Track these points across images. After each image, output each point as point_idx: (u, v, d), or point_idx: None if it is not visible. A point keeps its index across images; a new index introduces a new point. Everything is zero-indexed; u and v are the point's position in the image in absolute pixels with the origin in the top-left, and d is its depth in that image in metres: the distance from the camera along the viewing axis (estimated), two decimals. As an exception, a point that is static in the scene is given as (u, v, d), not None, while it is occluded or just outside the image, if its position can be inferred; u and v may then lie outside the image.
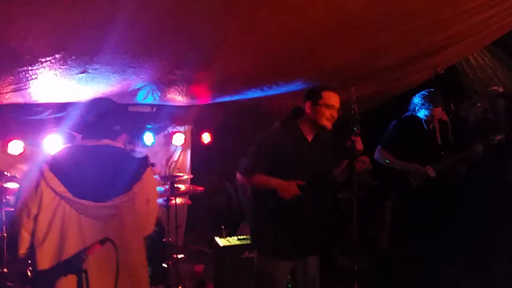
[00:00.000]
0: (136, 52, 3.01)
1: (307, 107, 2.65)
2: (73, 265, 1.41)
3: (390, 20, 3.02)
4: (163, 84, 3.95)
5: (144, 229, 2.12)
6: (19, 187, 1.97)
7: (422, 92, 3.97)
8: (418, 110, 3.94)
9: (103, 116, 2.01)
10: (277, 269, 2.56)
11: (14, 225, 1.85)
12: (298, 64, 3.75)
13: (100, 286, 1.69)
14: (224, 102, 5.16)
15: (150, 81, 3.74)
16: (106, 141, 2.01)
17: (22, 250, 1.80)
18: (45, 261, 1.74)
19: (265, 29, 2.84)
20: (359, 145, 2.69)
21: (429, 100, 3.86)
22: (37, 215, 1.82)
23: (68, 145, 2.01)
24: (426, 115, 3.88)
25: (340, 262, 4.65)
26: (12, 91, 3.49)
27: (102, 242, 1.52)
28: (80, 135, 2.04)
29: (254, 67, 3.73)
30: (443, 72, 4.71)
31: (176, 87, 4.08)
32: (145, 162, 2.08)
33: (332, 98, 2.61)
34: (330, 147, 2.76)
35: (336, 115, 2.61)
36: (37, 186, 1.84)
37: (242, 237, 4.19)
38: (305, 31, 2.94)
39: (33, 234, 1.83)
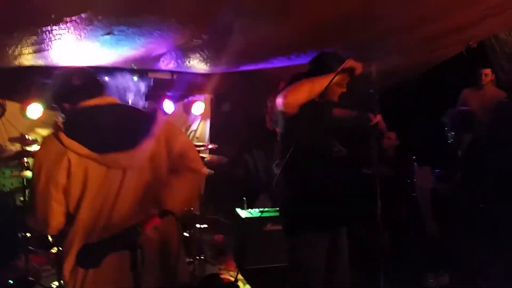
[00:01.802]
0: (166, 14, 2.86)
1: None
2: (127, 239, 1.30)
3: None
4: (187, 49, 3.81)
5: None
6: (38, 160, 1.77)
7: None
8: None
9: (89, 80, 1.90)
10: (315, 241, 2.47)
11: (40, 200, 1.73)
12: (333, 32, 3.57)
13: (152, 262, 1.61)
14: (245, 71, 5.02)
15: (175, 45, 3.60)
16: (108, 99, 1.89)
17: (54, 223, 1.71)
18: (87, 232, 1.66)
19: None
20: (381, 125, 2.54)
21: None
22: (67, 186, 1.71)
23: (78, 108, 1.84)
24: None
25: (363, 237, 4.59)
26: (34, 52, 3.37)
27: (161, 214, 1.41)
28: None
29: (286, 34, 3.56)
30: (475, 46, 4.51)
31: (201, 53, 3.93)
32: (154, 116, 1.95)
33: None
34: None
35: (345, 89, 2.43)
36: (61, 156, 1.73)
37: (264, 209, 4.12)
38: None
39: (67, 206, 1.73)
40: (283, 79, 4.79)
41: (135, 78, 4.67)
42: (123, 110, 1.94)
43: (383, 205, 4.54)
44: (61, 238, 1.90)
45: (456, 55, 4.58)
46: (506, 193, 3.80)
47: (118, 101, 1.95)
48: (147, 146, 1.82)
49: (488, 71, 4.53)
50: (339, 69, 2.25)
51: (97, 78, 1.96)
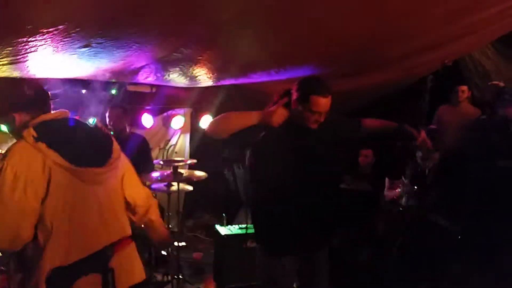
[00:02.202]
0: (144, 27, 2.82)
1: (293, 101, 2.35)
2: (97, 262, 1.24)
3: (409, 7, 2.91)
4: (166, 63, 3.77)
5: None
6: (12, 167, 1.66)
7: None
8: None
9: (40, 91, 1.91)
10: (280, 265, 2.42)
11: (13, 210, 1.62)
12: (311, 49, 3.60)
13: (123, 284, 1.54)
14: (225, 85, 5.01)
15: (154, 58, 3.56)
16: (65, 113, 1.89)
17: (26, 235, 1.62)
18: (60, 254, 1.58)
19: (280, 10, 2.69)
20: (427, 141, 2.52)
21: None
22: (44, 196, 1.64)
23: (40, 120, 1.80)
24: None
25: (342, 255, 4.57)
26: (9, 64, 3.28)
27: (133, 237, 1.37)
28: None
29: (264, 50, 3.57)
30: (450, 64, 4.61)
31: (180, 66, 3.90)
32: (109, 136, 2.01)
33: (320, 105, 2.27)
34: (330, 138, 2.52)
35: (322, 119, 2.32)
36: (42, 165, 1.67)
37: (243, 225, 4.06)
38: (323, 14, 2.80)
39: (39, 222, 1.65)
40: (265, 93, 4.83)
41: (114, 92, 4.60)
42: (85, 125, 1.98)
43: (363, 221, 4.57)
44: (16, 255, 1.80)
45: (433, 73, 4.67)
46: (475, 208, 3.87)
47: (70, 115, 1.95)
48: (116, 164, 1.89)
49: (464, 88, 4.63)
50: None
51: (47, 91, 1.96)
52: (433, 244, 3.88)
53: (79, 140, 1.77)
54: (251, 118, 2.21)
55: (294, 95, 2.33)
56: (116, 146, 1.98)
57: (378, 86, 4.71)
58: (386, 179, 4.38)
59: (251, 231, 3.93)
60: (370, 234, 4.61)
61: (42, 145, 1.67)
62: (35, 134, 1.69)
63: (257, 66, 4.03)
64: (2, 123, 2.25)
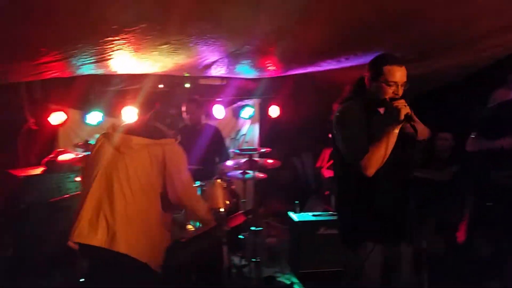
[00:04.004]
0: (219, 22, 2.93)
1: (366, 80, 2.34)
2: (213, 238, 1.35)
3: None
4: (238, 55, 3.87)
5: None
6: None
7: None
8: None
9: None
10: (371, 253, 2.41)
11: None
12: (382, 33, 3.51)
13: None
14: (294, 74, 5.04)
15: (227, 52, 3.66)
16: None
17: None
18: None
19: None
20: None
21: None
22: None
23: None
24: None
25: (416, 245, 4.45)
26: (95, 62, 3.54)
27: (246, 213, 1.46)
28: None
29: (334, 36, 3.54)
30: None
31: (251, 58, 3.99)
32: None
33: (395, 74, 2.23)
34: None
35: (400, 92, 2.25)
36: None
37: (317, 213, 4.10)
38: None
39: None
40: (334, 81, 4.80)
41: (187, 85, 4.81)
42: None
43: (440, 210, 4.39)
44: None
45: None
46: None
47: None
48: None
49: None
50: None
51: None
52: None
53: None
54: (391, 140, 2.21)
55: (367, 74, 2.33)
56: None
57: (444, 72, 4.50)
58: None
59: (324, 218, 3.99)
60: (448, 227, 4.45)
61: None
62: None
63: (327, 53, 4.00)
64: None
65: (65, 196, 3.89)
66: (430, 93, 4.89)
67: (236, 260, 3.95)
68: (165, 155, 2.28)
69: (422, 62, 4.33)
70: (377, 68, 2.27)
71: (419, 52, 4.03)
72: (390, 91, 2.25)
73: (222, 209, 3.31)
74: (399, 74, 2.24)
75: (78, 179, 3.89)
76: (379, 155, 2.18)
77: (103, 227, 2.17)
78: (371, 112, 2.34)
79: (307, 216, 4.10)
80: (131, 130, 2.38)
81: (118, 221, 2.16)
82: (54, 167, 3.96)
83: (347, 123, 2.31)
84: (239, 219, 1.37)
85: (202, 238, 1.34)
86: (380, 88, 2.26)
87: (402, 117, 2.14)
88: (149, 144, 2.30)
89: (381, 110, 2.38)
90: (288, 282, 3.83)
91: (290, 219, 4.18)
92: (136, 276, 2.13)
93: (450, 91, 4.86)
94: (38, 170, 3.96)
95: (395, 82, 2.24)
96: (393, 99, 2.22)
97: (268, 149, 3.93)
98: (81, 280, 3.49)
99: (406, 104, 2.18)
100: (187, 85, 4.81)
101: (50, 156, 4.03)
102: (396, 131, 2.19)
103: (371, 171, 2.19)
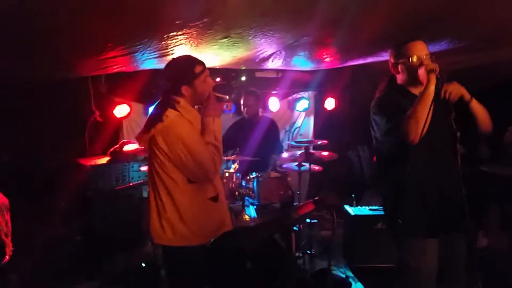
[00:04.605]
0: (277, 14, 2.93)
1: (401, 71, 2.40)
2: (283, 225, 1.39)
3: None
4: (296, 47, 3.86)
5: None
6: None
7: None
8: None
9: None
10: (424, 246, 2.34)
11: None
12: (447, 21, 3.37)
13: None
14: (350, 66, 4.96)
15: (285, 44, 3.67)
16: None
17: None
18: None
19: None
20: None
21: None
22: None
23: None
24: None
25: (478, 241, 4.28)
26: (158, 57, 3.66)
27: (315, 202, 1.49)
28: None
29: (397, 23, 3.43)
30: None
31: (309, 50, 3.97)
32: None
33: (417, 49, 2.33)
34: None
35: (430, 66, 2.20)
36: None
37: (374, 207, 4.04)
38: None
39: None
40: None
41: (243, 78, 4.87)
42: None
43: (502, 207, 4.19)
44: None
45: None
46: None
47: None
48: None
49: None
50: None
51: None
52: None
53: None
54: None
55: (392, 60, 2.45)
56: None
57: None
58: None
59: (382, 213, 3.91)
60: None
61: None
62: None
63: (387, 42, 3.90)
64: None
65: (129, 184, 4.10)
66: (500, 85, 4.64)
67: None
68: None
69: (491, 51, 4.11)
70: (398, 51, 2.41)
71: (486, 40, 3.83)
72: (421, 71, 2.24)
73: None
74: (420, 46, 2.34)
75: (142, 168, 4.08)
76: (419, 116, 2.13)
77: None
78: (407, 96, 2.35)
79: (364, 210, 4.05)
80: None
81: None
82: (119, 157, 4.16)
83: (385, 105, 2.35)
84: (308, 207, 1.38)
85: (270, 226, 1.36)
86: (411, 72, 2.31)
87: (427, 70, 2.18)
88: None
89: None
90: (343, 276, 3.81)
91: (346, 212, 4.14)
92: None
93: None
94: (104, 160, 4.18)
95: (422, 58, 2.30)
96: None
97: (325, 141, 3.91)
98: (143, 264, 3.68)
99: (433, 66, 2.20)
100: (243, 78, 4.86)
101: (115, 146, 4.25)
102: (431, 89, 2.16)
103: (414, 136, 2.14)
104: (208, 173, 2.24)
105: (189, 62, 2.40)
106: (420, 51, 2.32)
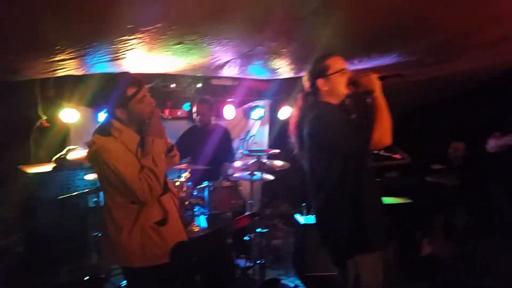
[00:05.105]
0: (234, 22, 2.93)
1: (322, 85, 2.34)
2: (219, 239, 1.36)
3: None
4: (251, 56, 3.87)
5: None
6: None
7: None
8: None
9: None
10: (376, 263, 2.32)
11: None
12: (397, 37, 3.50)
13: None
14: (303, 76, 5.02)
15: (240, 52, 3.67)
16: None
17: None
18: None
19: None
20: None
21: None
22: None
23: None
24: None
25: (423, 249, 4.44)
26: (107, 61, 3.56)
27: (252, 216, 1.47)
28: None
29: (349, 38, 3.53)
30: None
31: (264, 59, 3.99)
32: None
33: (340, 61, 2.33)
34: None
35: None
36: None
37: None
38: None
39: None
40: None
41: (199, 85, 4.83)
42: None
43: (446, 215, 4.37)
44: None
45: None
46: None
47: None
48: None
49: None
50: None
51: None
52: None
53: None
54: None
55: (319, 80, 2.35)
56: None
57: (468, 74, 4.46)
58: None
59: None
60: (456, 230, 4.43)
61: None
62: None
63: (340, 53, 3.99)
64: None
65: (73, 193, 3.93)
66: (448, 99, 4.85)
67: (241, 262, 3.95)
68: None
69: (440, 65, 4.30)
70: (321, 66, 2.34)
71: (436, 55, 4.01)
72: (346, 79, 2.29)
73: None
74: (342, 61, 2.33)
75: (88, 177, 3.92)
76: (383, 120, 2.14)
77: None
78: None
79: (313, 219, 4.07)
80: None
81: None
82: (64, 164, 3.99)
83: (329, 120, 2.26)
84: (244, 221, 1.36)
85: (208, 238, 1.33)
86: (336, 83, 2.29)
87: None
88: None
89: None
90: (292, 285, 3.82)
91: (297, 221, 4.17)
92: None
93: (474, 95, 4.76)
94: (49, 167, 3.99)
95: (345, 69, 2.30)
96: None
97: (277, 151, 3.93)
98: (85, 278, 3.52)
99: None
100: (199, 85, 4.82)
101: (60, 153, 4.07)
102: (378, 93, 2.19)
103: (386, 139, 2.14)
104: (142, 199, 2.07)
105: (121, 85, 2.19)
106: (343, 65, 2.33)
